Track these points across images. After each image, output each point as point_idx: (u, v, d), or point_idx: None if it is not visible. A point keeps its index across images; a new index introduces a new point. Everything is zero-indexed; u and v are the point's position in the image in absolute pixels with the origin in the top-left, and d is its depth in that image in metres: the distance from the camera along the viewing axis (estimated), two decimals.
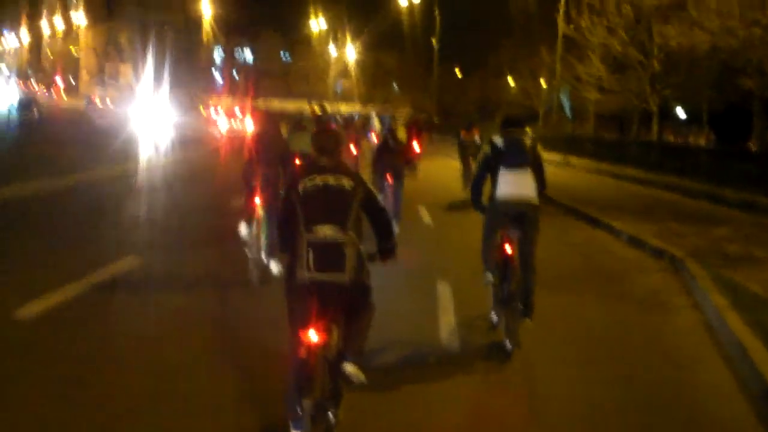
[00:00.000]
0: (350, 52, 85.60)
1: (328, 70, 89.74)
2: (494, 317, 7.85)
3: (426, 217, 16.86)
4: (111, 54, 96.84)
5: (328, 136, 5.35)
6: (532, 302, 7.51)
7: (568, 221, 17.94)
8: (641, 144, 36.68)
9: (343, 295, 4.94)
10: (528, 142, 7.67)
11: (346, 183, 5.06)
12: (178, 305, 8.45)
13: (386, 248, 5.34)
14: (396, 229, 9.16)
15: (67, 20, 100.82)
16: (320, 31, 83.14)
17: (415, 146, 23.19)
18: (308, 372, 4.68)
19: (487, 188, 7.91)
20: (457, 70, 79.74)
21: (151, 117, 43.48)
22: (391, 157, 13.79)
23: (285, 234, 5.16)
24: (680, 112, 51.43)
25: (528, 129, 8.19)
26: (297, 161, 10.20)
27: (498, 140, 7.66)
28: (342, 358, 4.98)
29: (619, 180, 29.29)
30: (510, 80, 65.11)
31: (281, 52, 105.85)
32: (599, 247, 14.80)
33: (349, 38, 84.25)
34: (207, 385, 6.20)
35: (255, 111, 21.99)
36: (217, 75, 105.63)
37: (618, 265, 12.93)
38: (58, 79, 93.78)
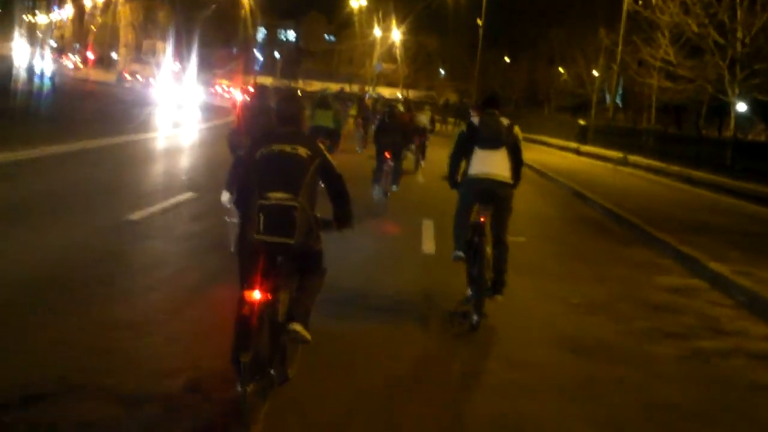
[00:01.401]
0: (394, 35, 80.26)
1: (372, 53, 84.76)
2: (469, 292, 7.57)
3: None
4: (150, 30, 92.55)
5: (288, 105, 5.39)
6: (503, 279, 7.59)
7: (644, 254, 12.34)
8: (716, 142, 30.50)
9: (291, 257, 5.08)
10: (504, 123, 7.59)
11: (302, 151, 5.08)
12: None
13: (342, 216, 5.37)
14: (395, 188, 14.17)
15: None
16: (360, 7, 77.59)
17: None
18: (246, 329, 4.71)
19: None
20: (505, 58, 73.44)
21: (178, 94, 44.74)
22: (389, 135, 14.25)
23: (242, 197, 5.29)
24: (741, 106, 44.90)
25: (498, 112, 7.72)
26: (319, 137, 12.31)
27: (475, 120, 7.68)
28: (290, 318, 5.00)
29: (696, 187, 23.08)
30: (560, 69, 59.15)
31: (326, 35, 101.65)
32: (714, 323, 8.39)
33: (393, 20, 78.78)
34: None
35: (253, 85, 23.04)
36: (258, 55, 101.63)
37: None
38: (89, 54, 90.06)
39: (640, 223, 14.29)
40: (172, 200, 12.60)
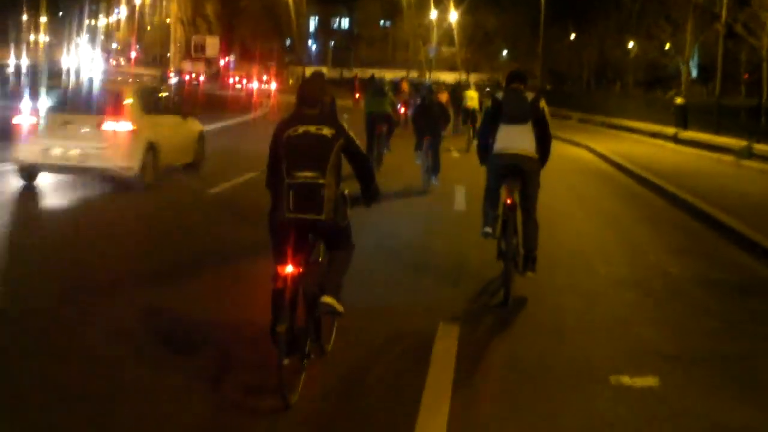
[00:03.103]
0: (451, 16, 73.32)
1: (429, 36, 78.14)
2: (488, 230, 7.61)
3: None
4: (199, 25, 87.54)
5: (311, 88, 5.42)
6: (534, 255, 7.40)
7: None
8: None
9: (321, 233, 5.27)
10: (529, 98, 7.41)
11: (327, 131, 5.16)
12: None
13: (369, 193, 5.55)
14: (435, 181, 13.95)
15: None
16: None
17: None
18: (281, 302, 4.87)
19: None
20: (571, 33, 65.54)
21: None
22: (427, 119, 14.30)
23: (272, 177, 5.27)
24: None
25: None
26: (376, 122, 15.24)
27: (499, 95, 7.59)
28: (321, 291, 5.14)
29: None
30: (631, 40, 51.27)
31: (381, 21, 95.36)
32: None
33: (450, 0, 71.75)
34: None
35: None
36: (312, 44, 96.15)
37: None
38: (132, 53, 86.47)
39: None
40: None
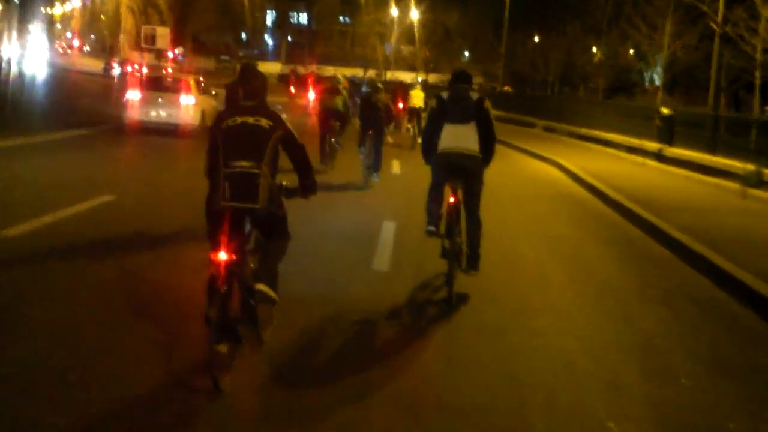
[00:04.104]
0: (411, 13, 69.39)
1: (388, 34, 74.24)
2: (432, 228, 7.59)
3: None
4: (150, 15, 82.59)
5: (252, 82, 5.42)
6: (478, 254, 7.42)
7: None
8: None
9: (256, 221, 5.26)
10: (474, 97, 7.39)
11: (264, 122, 5.19)
12: None
13: (306, 184, 5.51)
14: (376, 179, 14.05)
15: None
16: None
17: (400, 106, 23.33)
18: (215, 287, 4.84)
19: None
20: (537, 34, 61.78)
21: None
22: (371, 114, 14.46)
23: (210, 166, 5.25)
24: None
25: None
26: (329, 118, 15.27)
27: (444, 95, 7.53)
28: (256, 279, 5.18)
29: None
30: (600, 44, 47.57)
31: (340, 17, 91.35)
32: None
33: None
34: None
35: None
36: (268, 39, 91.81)
37: None
38: (75, 41, 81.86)
39: None
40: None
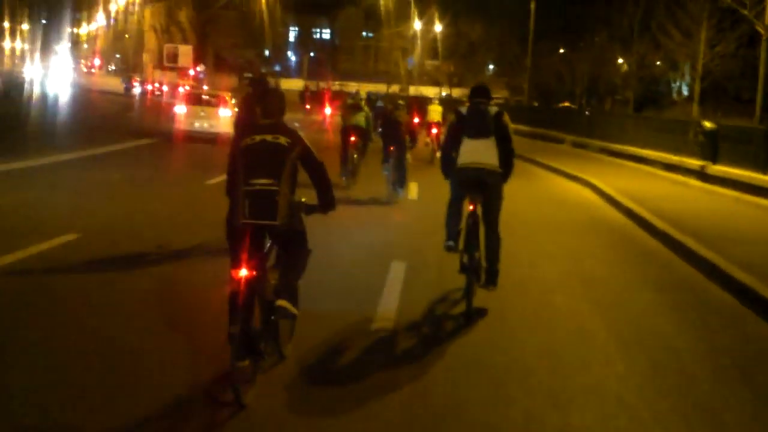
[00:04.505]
0: (435, 27, 67.90)
1: (411, 48, 72.80)
2: (451, 243, 7.32)
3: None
4: (173, 34, 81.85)
5: (270, 99, 5.48)
6: (496, 269, 7.31)
7: None
8: None
9: (276, 238, 5.30)
10: (492, 112, 7.32)
11: (283, 140, 5.20)
12: None
13: (325, 201, 5.47)
14: (401, 193, 14.06)
15: None
16: None
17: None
18: (236, 304, 4.86)
19: None
20: (562, 46, 59.80)
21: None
22: (392, 130, 14.50)
23: (231, 184, 5.27)
24: None
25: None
26: (352, 135, 15.11)
27: (463, 109, 7.53)
28: (276, 295, 5.14)
29: None
30: (631, 53, 45.47)
31: (363, 32, 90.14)
32: None
33: (434, 11, 66.27)
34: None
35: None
36: (291, 55, 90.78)
37: None
38: (96, 60, 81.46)
39: None
40: None
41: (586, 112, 33.90)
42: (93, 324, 6.22)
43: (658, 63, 42.89)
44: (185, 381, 5.16)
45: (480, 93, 7.55)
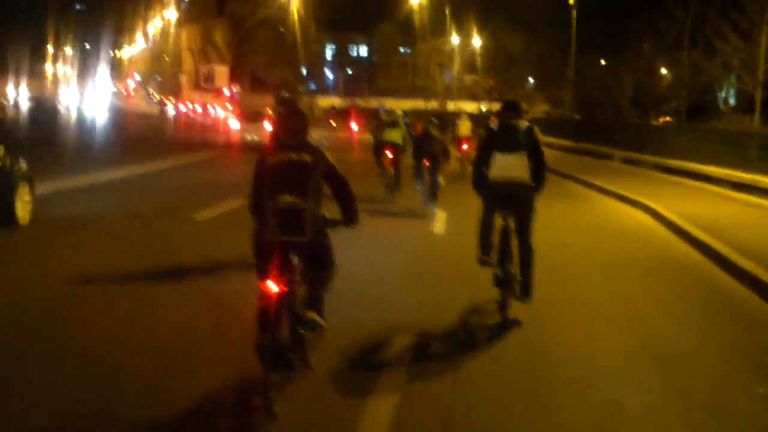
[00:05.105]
0: (473, 41, 65.44)
1: (449, 63, 70.45)
2: (484, 257, 7.46)
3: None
4: (209, 54, 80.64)
5: (294, 119, 5.56)
6: (531, 282, 7.26)
7: None
8: None
9: (303, 253, 5.32)
10: (522, 126, 7.31)
11: (307, 158, 5.31)
12: None
13: (348, 215, 5.62)
14: (433, 206, 13.76)
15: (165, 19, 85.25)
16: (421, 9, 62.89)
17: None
18: (267, 319, 4.94)
19: None
20: (604, 57, 56.72)
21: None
22: (428, 145, 14.23)
23: (257, 201, 5.39)
24: None
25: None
26: (388, 150, 15.15)
27: (494, 125, 7.68)
28: (306, 307, 5.35)
29: None
30: (665, 69, 42.38)
31: (401, 48, 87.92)
32: None
33: (473, 25, 63.82)
34: None
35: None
36: (328, 73, 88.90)
37: None
38: (130, 82, 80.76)
39: None
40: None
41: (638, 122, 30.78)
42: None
43: (711, 71, 39.68)
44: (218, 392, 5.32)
45: (510, 108, 7.57)
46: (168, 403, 5.06)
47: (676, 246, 11.79)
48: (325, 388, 5.40)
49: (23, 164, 11.44)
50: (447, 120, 21.79)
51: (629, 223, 14.05)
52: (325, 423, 4.90)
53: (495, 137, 7.37)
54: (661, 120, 42.92)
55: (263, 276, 5.05)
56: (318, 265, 5.43)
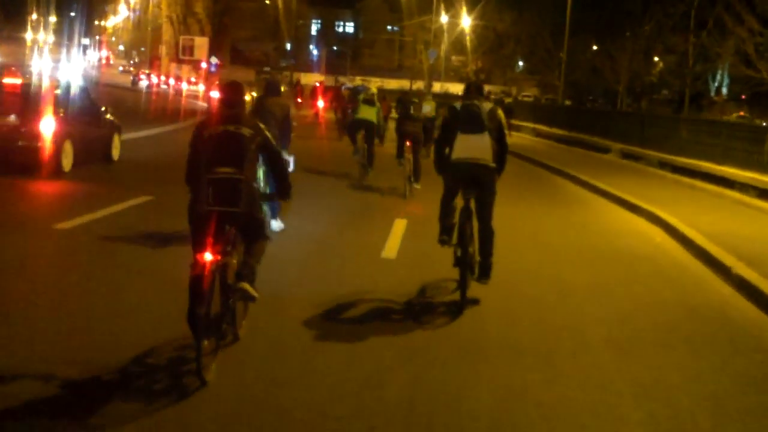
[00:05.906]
0: (462, 21, 62.10)
1: (436, 42, 67.15)
2: (444, 237, 7.32)
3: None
4: (190, 26, 76.99)
5: (230, 91, 5.48)
6: (490, 263, 7.21)
7: None
8: None
9: (238, 224, 5.29)
10: (486, 108, 7.16)
11: (245, 131, 5.27)
12: None
13: (282, 189, 5.70)
14: (417, 186, 13.63)
15: None
16: None
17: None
18: (199, 288, 4.85)
19: None
20: (597, 40, 53.51)
21: None
22: (411, 126, 14.27)
23: (192, 172, 5.31)
24: None
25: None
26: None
27: (457, 105, 7.41)
28: (238, 278, 5.26)
29: None
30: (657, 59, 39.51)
31: (388, 26, 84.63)
32: None
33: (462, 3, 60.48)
34: None
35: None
36: (313, 49, 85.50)
37: None
38: (104, 52, 77.49)
39: None
40: None
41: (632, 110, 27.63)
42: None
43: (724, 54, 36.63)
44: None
45: (474, 90, 7.47)
46: (101, 363, 4.97)
47: (695, 272, 8.84)
48: (261, 357, 5.37)
49: (115, 119, 15.18)
50: (409, 101, 18.88)
51: (637, 240, 10.86)
52: (258, 391, 4.81)
53: (458, 118, 7.15)
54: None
55: (197, 245, 5.00)
56: (251, 237, 5.42)
